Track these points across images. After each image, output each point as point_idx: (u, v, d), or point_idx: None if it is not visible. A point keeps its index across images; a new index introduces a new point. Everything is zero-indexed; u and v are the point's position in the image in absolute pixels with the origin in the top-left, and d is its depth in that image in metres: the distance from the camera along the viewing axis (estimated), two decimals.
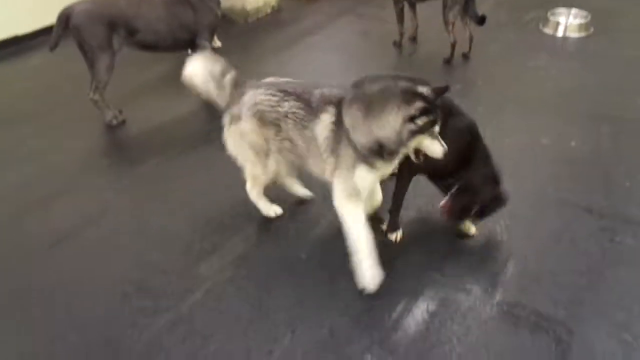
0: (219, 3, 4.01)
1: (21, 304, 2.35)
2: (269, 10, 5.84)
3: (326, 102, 2.19)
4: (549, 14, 5.11)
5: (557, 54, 4.62)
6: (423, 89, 1.97)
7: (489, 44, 4.78)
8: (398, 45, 4.91)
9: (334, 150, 2.17)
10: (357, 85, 2.21)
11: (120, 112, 3.83)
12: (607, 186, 2.88)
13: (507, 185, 2.86)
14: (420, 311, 2.21)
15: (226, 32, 5.16)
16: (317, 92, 2.24)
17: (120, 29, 3.59)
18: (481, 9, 4.34)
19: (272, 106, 2.29)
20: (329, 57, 4.78)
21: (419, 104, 1.93)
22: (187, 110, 3.99)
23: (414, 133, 1.97)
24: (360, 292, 2.25)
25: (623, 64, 4.34)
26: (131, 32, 3.65)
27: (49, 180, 3.21)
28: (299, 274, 2.41)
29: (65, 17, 3.50)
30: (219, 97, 2.45)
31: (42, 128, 3.83)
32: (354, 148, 2.10)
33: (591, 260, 2.40)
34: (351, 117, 2.10)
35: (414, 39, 4.98)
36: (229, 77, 2.43)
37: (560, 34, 4.98)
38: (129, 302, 2.31)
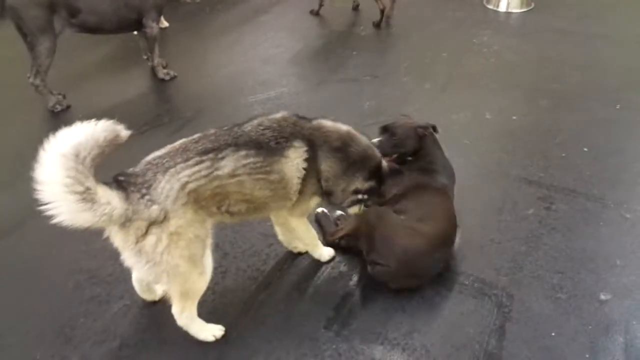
0: None
1: None
2: None
3: (288, 136, 1.92)
4: None
5: (500, 30, 4.76)
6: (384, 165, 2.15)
7: (436, 22, 4.88)
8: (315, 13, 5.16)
9: (303, 186, 2.00)
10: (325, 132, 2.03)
11: (64, 96, 3.72)
12: (546, 157, 3.04)
13: (454, 159, 3.00)
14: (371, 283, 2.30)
15: (174, 12, 5.04)
16: (256, 127, 1.91)
17: (61, 10, 3.44)
18: None
19: (207, 175, 1.76)
20: (278, 37, 4.75)
21: (370, 185, 2.12)
22: (135, 93, 3.91)
23: (359, 200, 2.15)
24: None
25: (561, 37, 4.52)
26: (73, 13, 3.51)
27: None
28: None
29: None
30: (92, 214, 1.57)
31: None
32: (319, 185, 2.06)
33: (530, 228, 2.55)
34: (331, 168, 2.02)
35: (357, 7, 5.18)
36: (96, 185, 1.58)
37: (503, 9, 5.13)
38: (81, 291, 2.29)
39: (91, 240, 2.52)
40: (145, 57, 4.18)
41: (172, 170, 1.72)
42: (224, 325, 2.10)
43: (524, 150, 3.12)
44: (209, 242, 1.89)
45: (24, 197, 2.83)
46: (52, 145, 1.51)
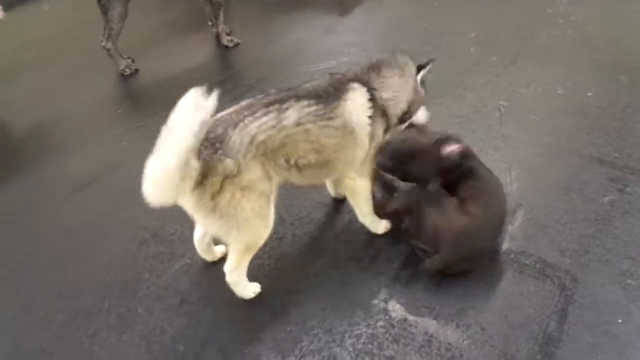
0: None
1: (43, 248, 2.46)
2: None
3: (343, 82, 2.00)
4: None
5: None
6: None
7: None
8: None
9: (375, 130, 2.04)
10: (371, 67, 2.12)
11: (133, 60, 3.84)
12: (621, 137, 2.84)
13: (521, 135, 2.88)
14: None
15: None
16: (315, 83, 2.03)
17: None
18: None
19: (274, 125, 1.81)
20: (342, 6, 4.67)
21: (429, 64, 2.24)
22: (199, 59, 3.99)
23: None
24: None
25: None
26: None
27: (64, 129, 3.29)
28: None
29: None
30: (181, 190, 1.69)
31: (55, 76, 3.87)
32: (384, 122, 2.10)
33: (599, 210, 2.41)
34: (389, 88, 2.09)
35: None
36: (195, 163, 1.68)
37: None
38: (146, 247, 2.41)
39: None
40: (210, 23, 4.23)
41: (241, 124, 1.77)
42: (279, 289, 2.16)
43: (598, 128, 2.93)
44: (274, 197, 1.95)
45: (95, 156, 3.03)
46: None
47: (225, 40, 4.11)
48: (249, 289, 2.11)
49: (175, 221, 2.50)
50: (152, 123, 3.18)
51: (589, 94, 3.23)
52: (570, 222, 2.37)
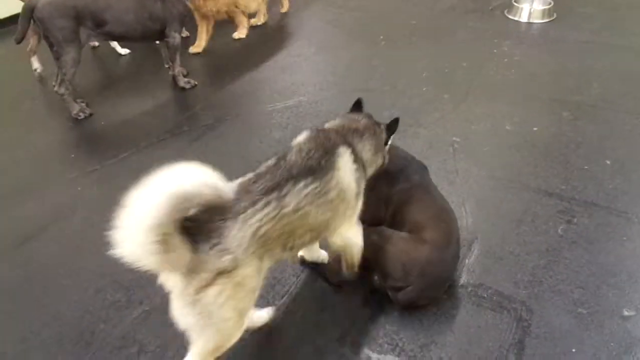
0: None
1: None
2: None
3: (332, 147, 1.86)
4: (513, 0, 5.22)
5: (522, 40, 4.73)
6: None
7: (456, 32, 4.87)
8: None
9: (359, 190, 1.95)
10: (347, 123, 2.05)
11: (87, 105, 3.79)
12: (567, 170, 3.00)
13: (474, 170, 2.98)
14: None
15: (193, 22, 5.11)
16: (300, 154, 1.81)
17: (87, 21, 3.52)
18: None
19: (275, 216, 1.64)
20: (297, 46, 4.79)
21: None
22: (156, 102, 3.97)
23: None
24: None
25: (583, 49, 4.47)
26: (99, 24, 3.59)
27: (14, 175, 3.18)
28: None
29: (30, 9, 3.43)
30: (166, 263, 1.46)
31: (6, 121, 3.77)
32: (364, 179, 2.01)
33: (550, 241, 2.51)
34: (369, 150, 2.04)
35: None
36: (180, 238, 1.42)
37: (524, 19, 5.10)
38: (102, 296, 2.32)
39: (111, 247, 2.57)
40: (166, 66, 4.25)
41: (242, 216, 1.58)
42: None
43: (545, 162, 3.08)
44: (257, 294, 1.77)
45: (46, 202, 2.94)
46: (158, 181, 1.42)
47: (182, 82, 4.12)
48: None
49: (133, 266, 2.44)
50: (108, 167, 3.20)
51: (535, 129, 3.40)
52: (523, 253, 2.45)
